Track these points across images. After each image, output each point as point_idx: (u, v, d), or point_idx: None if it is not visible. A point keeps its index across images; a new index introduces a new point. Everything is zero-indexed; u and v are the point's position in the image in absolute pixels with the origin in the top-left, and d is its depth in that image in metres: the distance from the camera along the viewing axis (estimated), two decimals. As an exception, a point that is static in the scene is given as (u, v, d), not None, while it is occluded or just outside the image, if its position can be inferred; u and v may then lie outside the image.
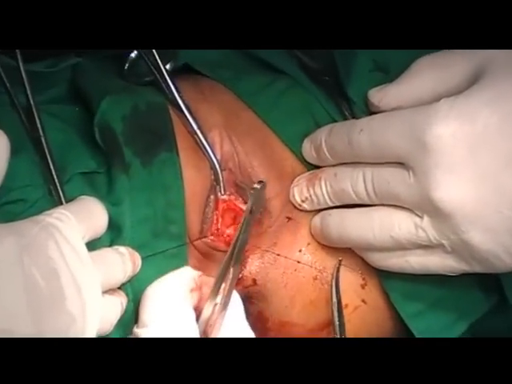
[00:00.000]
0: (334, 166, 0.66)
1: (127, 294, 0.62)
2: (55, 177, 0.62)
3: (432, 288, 0.67)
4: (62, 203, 0.61)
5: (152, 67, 0.68)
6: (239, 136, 0.68)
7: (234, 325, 0.60)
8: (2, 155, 0.56)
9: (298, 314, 0.68)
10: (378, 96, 0.65)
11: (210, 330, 0.59)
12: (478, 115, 0.57)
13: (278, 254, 0.67)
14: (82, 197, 0.61)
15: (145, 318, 0.59)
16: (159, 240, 0.64)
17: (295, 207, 0.68)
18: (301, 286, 0.68)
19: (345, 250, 0.68)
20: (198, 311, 0.60)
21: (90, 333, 0.55)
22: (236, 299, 0.61)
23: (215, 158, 0.67)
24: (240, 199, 0.68)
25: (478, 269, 0.61)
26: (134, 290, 0.62)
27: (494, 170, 0.57)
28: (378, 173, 0.62)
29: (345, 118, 0.68)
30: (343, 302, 0.67)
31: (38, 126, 0.64)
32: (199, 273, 0.62)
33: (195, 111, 0.68)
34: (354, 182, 0.63)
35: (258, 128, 0.69)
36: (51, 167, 0.62)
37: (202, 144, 0.67)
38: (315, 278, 0.68)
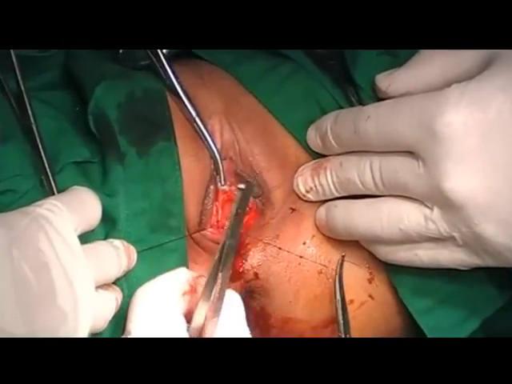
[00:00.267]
0: (339, 154, 0.66)
1: (122, 290, 0.62)
2: (47, 166, 0.62)
3: (442, 283, 0.67)
4: (53, 194, 0.61)
5: (148, 51, 0.68)
6: (240, 123, 0.68)
7: (232, 330, 0.59)
8: None
9: (302, 310, 0.68)
10: (386, 81, 0.65)
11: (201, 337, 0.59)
12: (491, 101, 0.57)
13: (280, 248, 0.67)
14: (75, 187, 0.61)
15: (129, 326, 0.58)
16: (156, 233, 0.64)
17: (299, 198, 0.68)
18: (305, 280, 0.68)
19: (351, 243, 0.67)
20: (190, 315, 0.60)
21: (83, 330, 0.55)
22: (235, 301, 0.61)
23: (215, 146, 0.67)
24: None
25: (490, 263, 0.61)
26: (129, 285, 0.62)
27: (508, 159, 0.57)
28: (385, 162, 0.62)
29: (351, 105, 0.68)
30: (349, 298, 0.67)
31: (29, 113, 0.63)
32: (195, 274, 0.61)
33: (194, 97, 0.68)
34: (361, 171, 0.63)
35: (259, 114, 0.69)
36: (42, 156, 0.62)
37: (202, 132, 0.67)
38: (320, 272, 0.68)
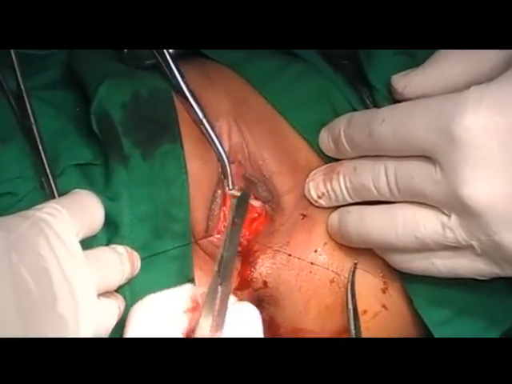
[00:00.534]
0: (353, 158, 0.66)
1: (125, 298, 0.61)
2: (47, 168, 0.62)
3: (460, 293, 0.66)
4: (54, 197, 0.61)
5: (154, 49, 0.68)
6: (249, 125, 0.68)
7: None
8: None
9: (313, 321, 0.68)
10: (403, 82, 0.65)
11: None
12: None
13: (290, 255, 0.67)
14: (77, 190, 0.61)
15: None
16: (161, 239, 0.64)
17: (311, 203, 0.68)
18: (316, 289, 0.68)
19: (364, 251, 0.67)
20: (192, 333, 0.60)
21: (84, 339, 0.55)
22: (253, 317, 0.61)
23: (223, 149, 0.67)
24: (250, 194, 0.68)
25: (510, 272, 0.60)
26: (132, 293, 0.62)
27: None
28: (401, 167, 0.61)
29: (365, 106, 0.68)
30: (362, 308, 0.67)
31: (29, 113, 0.63)
32: (201, 290, 0.61)
33: (201, 98, 0.67)
34: (376, 176, 0.63)
35: (269, 116, 0.69)
36: (43, 158, 0.62)
37: (209, 134, 0.67)
38: (332, 281, 0.68)
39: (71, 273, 0.55)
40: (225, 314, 0.59)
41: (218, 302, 0.59)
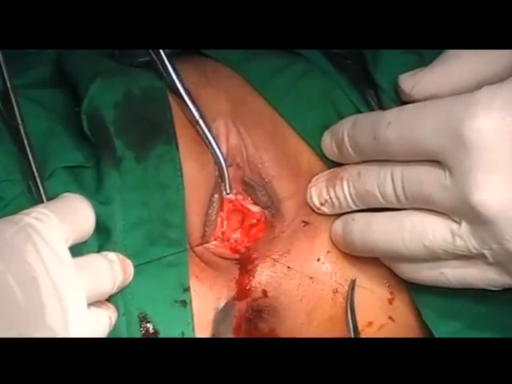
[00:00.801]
0: (357, 163, 0.66)
1: (117, 307, 0.61)
2: (35, 171, 0.62)
3: (470, 304, 0.66)
4: (42, 201, 0.61)
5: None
6: (248, 127, 0.68)
7: None
8: None
9: (315, 333, 0.67)
10: (410, 82, 0.64)
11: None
12: None
13: (289, 267, 0.67)
14: (66, 194, 0.61)
15: None
16: (155, 246, 0.64)
17: (313, 210, 0.68)
18: (319, 299, 0.67)
19: (370, 260, 0.67)
20: None
21: (73, 351, 0.55)
22: None
23: (220, 151, 0.67)
24: (248, 199, 0.68)
25: (524, 283, 0.60)
26: (125, 302, 0.62)
27: None
28: (408, 172, 0.61)
29: (370, 108, 0.68)
30: (367, 320, 0.67)
31: (16, 112, 0.63)
32: None
33: (197, 97, 0.67)
34: (381, 182, 0.63)
35: (269, 117, 0.68)
36: (31, 160, 0.62)
37: (205, 136, 0.67)
38: (335, 291, 0.67)
39: (60, 281, 0.54)
40: None
41: None
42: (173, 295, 0.64)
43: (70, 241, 0.57)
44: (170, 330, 0.63)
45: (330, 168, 0.68)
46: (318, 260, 0.68)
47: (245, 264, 0.67)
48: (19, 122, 0.63)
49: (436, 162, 0.60)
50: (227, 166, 0.67)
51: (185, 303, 0.64)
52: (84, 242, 0.60)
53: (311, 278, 0.67)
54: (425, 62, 0.65)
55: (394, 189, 0.62)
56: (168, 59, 0.67)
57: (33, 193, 0.62)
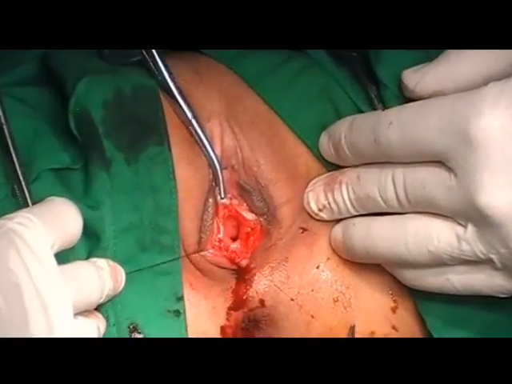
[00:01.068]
0: (357, 166, 0.65)
1: (107, 317, 0.61)
2: (20, 173, 0.61)
3: (478, 312, 0.66)
4: (27, 205, 0.60)
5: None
6: (243, 127, 0.67)
7: None
8: None
9: (315, 344, 0.67)
10: (414, 78, 0.64)
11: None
12: None
13: (287, 275, 0.67)
14: (52, 198, 0.60)
15: None
16: (147, 253, 0.63)
17: (311, 216, 0.67)
18: (319, 309, 0.67)
19: (372, 267, 0.67)
20: None
21: (58, 363, 0.54)
22: None
23: (214, 153, 0.66)
24: (244, 205, 0.67)
25: (534, 289, 0.60)
26: (115, 312, 0.61)
27: None
28: (411, 174, 0.61)
29: (372, 106, 0.67)
30: (369, 329, 0.67)
31: (0, 112, 0.62)
32: None
33: (190, 96, 0.67)
34: (382, 186, 0.62)
35: (265, 117, 0.68)
36: (15, 162, 0.61)
37: (199, 136, 0.66)
38: (336, 300, 0.67)
39: (45, 289, 0.53)
40: None
41: None
42: (165, 305, 0.63)
43: (56, 247, 0.57)
44: (162, 341, 0.63)
45: (329, 170, 0.67)
46: (318, 267, 0.67)
47: (241, 273, 0.67)
48: (3, 121, 0.62)
49: (440, 162, 0.59)
50: (222, 169, 0.66)
51: (178, 313, 0.63)
52: (72, 249, 0.59)
53: (310, 286, 0.67)
54: (430, 57, 0.64)
55: (396, 192, 0.62)
56: (159, 56, 0.67)
57: (17, 196, 0.61)
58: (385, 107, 0.65)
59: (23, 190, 0.61)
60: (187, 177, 0.65)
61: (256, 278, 0.67)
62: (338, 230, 0.66)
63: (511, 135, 0.56)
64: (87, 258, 0.62)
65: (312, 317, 0.67)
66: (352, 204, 0.65)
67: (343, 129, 0.65)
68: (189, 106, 0.66)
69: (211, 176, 0.66)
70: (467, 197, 0.57)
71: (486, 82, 0.58)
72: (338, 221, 0.67)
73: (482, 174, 0.57)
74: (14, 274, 0.53)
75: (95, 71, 0.66)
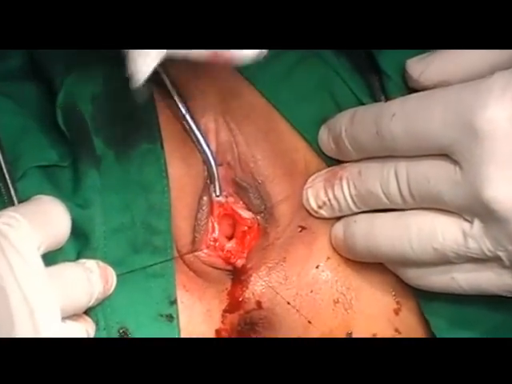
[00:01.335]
0: (358, 161, 0.65)
1: (97, 321, 0.61)
2: (5, 171, 0.61)
3: (485, 313, 0.65)
4: (13, 204, 0.60)
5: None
6: (239, 122, 0.67)
7: None
8: None
9: (314, 348, 0.66)
10: (419, 68, 0.63)
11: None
12: None
13: (285, 276, 0.66)
14: (39, 196, 0.60)
15: None
16: (138, 253, 0.63)
17: (310, 214, 0.67)
18: (318, 311, 0.67)
19: (374, 266, 0.66)
20: None
21: (45, 368, 0.53)
22: None
23: (209, 149, 0.66)
24: (240, 203, 0.67)
25: (543, 288, 0.58)
26: (105, 316, 0.61)
27: None
28: (414, 169, 0.60)
29: (374, 98, 0.66)
30: (371, 332, 0.67)
31: (-15, 108, 0.62)
32: None
33: (184, 90, 0.66)
34: (385, 181, 0.62)
35: (262, 111, 0.67)
36: (0, 159, 0.61)
37: (193, 132, 0.66)
38: (336, 302, 0.67)
39: (31, 292, 0.53)
40: None
41: None
42: (158, 308, 0.63)
43: (43, 248, 0.56)
44: (154, 346, 0.63)
45: (328, 166, 0.67)
46: (317, 267, 0.67)
47: (237, 274, 0.66)
48: (-12, 118, 0.62)
49: (445, 156, 0.59)
50: (217, 166, 0.66)
51: (171, 318, 0.63)
52: (60, 250, 0.59)
53: (310, 287, 0.66)
54: (435, 47, 0.64)
55: (399, 188, 0.61)
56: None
57: (2, 195, 0.60)
58: (387, 98, 0.65)
59: (9, 188, 0.61)
60: (180, 174, 0.65)
61: (252, 278, 0.67)
62: (338, 227, 0.66)
63: None
64: (76, 259, 0.62)
65: (311, 319, 0.66)
66: (353, 200, 0.64)
67: (344, 122, 0.64)
68: (182, 100, 0.65)
69: (206, 173, 0.66)
70: (473, 191, 0.57)
71: (492, 71, 0.58)
72: (339, 218, 0.66)
73: (489, 167, 0.56)
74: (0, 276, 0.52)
75: (84, 64, 0.65)
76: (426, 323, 0.66)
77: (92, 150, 0.63)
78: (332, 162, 0.66)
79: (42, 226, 0.56)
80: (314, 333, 0.66)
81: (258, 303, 0.66)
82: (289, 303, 0.66)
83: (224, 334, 0.65)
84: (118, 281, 0.62)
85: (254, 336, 0.66)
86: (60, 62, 0.65)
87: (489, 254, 0.58)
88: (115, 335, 0.61)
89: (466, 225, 0.59)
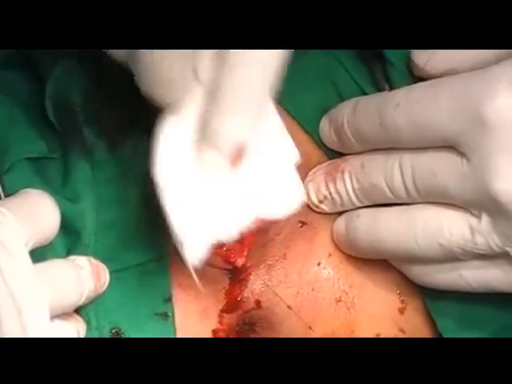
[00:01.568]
0: (360, 153, 0.64)
1: (88, 321, 0.60)
2: None
3: (494, 312, 0.65)
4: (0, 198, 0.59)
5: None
6: None
7: None
8: None
9: (315, 348, 0.66)
10: (425, 56, 0.63)
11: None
12: None
13: (285, 274, 0.66)
14: (27, 190, 0.60)
15: None
16: (132, 250, 0.63)
17: (311, 209, 0.66)
18: (320, 310, 0.66)
19: (377, 263, 0.66)
20: None
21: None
22: None
23: None
24: None
25: (555, 285, 0.58)
26: (97, 314, 0.61)
27: None
28: (419, 161, 0.60)
29: (377, 87, 0.66)
30: (374, 332, 0.66)
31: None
32: None
33: None
34: (389, 174, 0.61)
35: None
36: None
37: None
38: (339, 300, 0.66)
39: (18, 290, 0.52)
40: None
41: None
42: (152, 307, 0.63)
43: (31, 243, 0.56)
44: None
45: (330, 158, 0.66)
46: (319, 265, 0.66)
47: (236, 272, 0.66)
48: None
49: (451, 147, 0.58)
50: None
51: (166, 316, 0.63)
52: (49, 246, 0.59)
53: (311, 285, 0.66)
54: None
55: (404, 181, 0.61)
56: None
57: None
58: (391, 88, 0.64)
59: (-5, 181, 0.60)
60: None
61: (251, 277, 0.66)
62: (340, 222, 0.66)
63: None
64: (66, 255, 0.61)
65: (312, 319, 0.66)
66: (356, 194, 0.64)
67: (346, 112, 0.64)
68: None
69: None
70: (481, 184, 0.57)
71: (500, 60, 0.57)
72: (341, 213, 0.66)
73: (497, 159, 0.56)
74: None
75: (73, 52, 0.64)
76: (431, 323, 0.66)
77: (82, 142, 0.63)
78: (334, 154, 0.66)
79: (30, 220, 0.56)
80: (316, 333, 0.65)
81: (257, 302, 0.65)
82: (289, 307, 0.65)
83: (221, 335, 0.64)
84: (110, 278, 0.61)
85: (252, 337, 0.65)
86: (49, 51, 0.64)
87: (497, 250, 0.58)
88: (107, 335, 0.61)
89: (474, 220, 0.58)
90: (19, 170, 0.62)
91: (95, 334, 0.61)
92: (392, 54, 0.65)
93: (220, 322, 0.64)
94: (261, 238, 0.66)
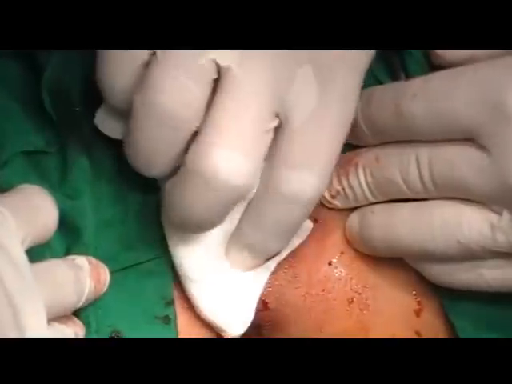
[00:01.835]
0: (375, 146, 0.64)
1: (88, 323, 0.60)
2: None
3: None
4: None
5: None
6: None
7: None
8: None
9: (326, 351, 0.66)
10: None
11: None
12: None
13: (294, 274, 0.65)
14: (23, 186, 0.58)
15: None
16: (132, 250, 0.63)
17: (322, 205, 0.66)
18: (331, 311, 0.65)
19: (392, 262, 0.65)
20: None
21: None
22: None
23: None
24: None
25: None
26: (97, 316, 0.60)
27: None
28: (437, 154, 0.60)
29: (393, 76, 0.66)
30: (389, 333, 0.65)
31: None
32: None
33: None
34: (405, 168, 0.61)
35: None
36: None
37: None
38: (351, 301, 0.65)
39: (15, 292, 0.51)
40: None
41: None
42: (153, 310, 0.62)
43: (27, 242, 0.55)
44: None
45: (342, 152, 0.64)
46: (330, 264, 0.66)
47: None
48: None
49: (471, 140, 0.58)
50: None
51: (168, 319, 0.62)
52: (47, 245, 0.58)
53: (321, 285, 0.65)
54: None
55: (420, 175, 0.60)
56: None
57: None
58: (408, 77, 0.64)
59: (-10, 177, 0.59)
60: None
61: None
62: (354, 219, 0.65)
63: None
64: (65, 255, 0.61)
65: (323, 321, 0.65)
66: (370, 189, 0.63)
67: (360, 102, 0.62)
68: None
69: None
70: (502, 178, 0.57)
71: None
72: (354, 209, 0.66)
73: None
74: None
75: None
76: (449, 325, 0.65)
77: (82, 136, 0.62)
78: (346, 147, 0.64)
79: (27, 218, 0.55)
80: (327, 336, 0.65)
81: (265, 304, 0.64)
82: (298, 309, 0.65)
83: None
84: (110, 279, 0.60)
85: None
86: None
87: None
88: (107, 338, 0.61)
89: (494, 216, 0.58)
90: (15, 164, 0.62)
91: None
92: None
93: (225, 326, 0.64)
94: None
